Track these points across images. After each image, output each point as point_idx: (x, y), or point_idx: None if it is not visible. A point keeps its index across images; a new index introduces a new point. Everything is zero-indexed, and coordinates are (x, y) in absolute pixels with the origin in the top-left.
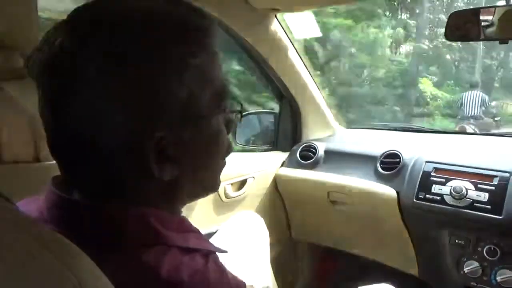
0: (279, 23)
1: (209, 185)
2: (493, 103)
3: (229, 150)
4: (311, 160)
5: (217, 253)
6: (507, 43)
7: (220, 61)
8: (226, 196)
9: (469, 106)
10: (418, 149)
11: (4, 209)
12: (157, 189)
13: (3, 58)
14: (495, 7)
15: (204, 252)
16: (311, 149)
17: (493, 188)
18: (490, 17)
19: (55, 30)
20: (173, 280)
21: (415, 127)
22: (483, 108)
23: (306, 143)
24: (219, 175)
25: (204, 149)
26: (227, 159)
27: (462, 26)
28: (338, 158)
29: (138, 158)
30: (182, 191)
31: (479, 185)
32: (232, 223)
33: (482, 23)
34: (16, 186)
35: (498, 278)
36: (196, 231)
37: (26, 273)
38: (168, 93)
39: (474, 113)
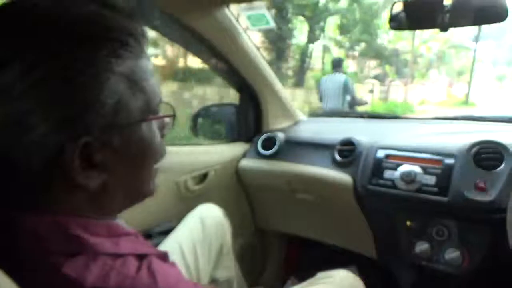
0: (232, 15)
1: (142, 192)
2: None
3: (162, 154)
4: (272, 150)
5: (157, 254)
6: (446, 30)
7: (151, 66)
8: (187, 190)
9: (328, 95)
10: (373, 136)
11: None
12: (84, 198)
13: None
14: None
15: (138, 255)
16: (272, 139)
17: (440, 171)
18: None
19: None
20: (99, 287)
21: (374, 113)
22: (348, 98)
23: (266, 133)
24: (153, 180)
25: (135, 156)
26: (189, 152)
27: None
28: (298, 147)
29: (62, 166)
30: (112, 200)
31: (427, 169)
32: (192, 217)
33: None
34: None
35: (447, 257)
36: (130, 234)
37: None
38: (93, 98)
39: (334, 105)
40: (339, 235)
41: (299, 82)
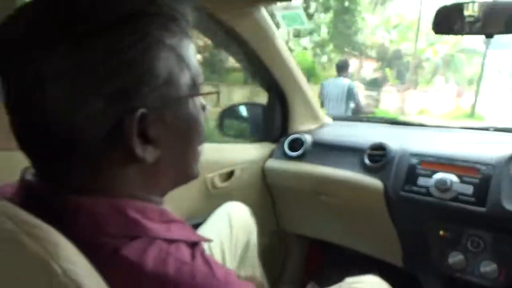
0: (268, 14)
1: (189, 171)
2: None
3: (204, 136)
4: (299, 152)
5: (202, 243)
6: (492, 37)
7: (193, 46)
8: (214, 187)
9: (330, 100)
10: (405, 142)
11: None
12: (137, 175)
13: None
14: (479, 2)
15: (189, 243)
16: (299, 140)
17: (478, 180)
18: (475, 13)
19: (17, 13)
20: (158, 274)
21: (401, 120)
22: (352, 104)
23: (293, 134)
24: (198, 162)
25: (184, 132)
26: (216, 150)
27: (447, 21)
28: (325, 150)
29: (120, 139)
30: (163, 177)
31: (463, 178)
32: (220, 213)
33: (467, 19)
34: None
35: (482, 269)
36: (179, 221)
37: (10, 261)
38: (146, 70)
39: (337, 111)
40: (363, 241)
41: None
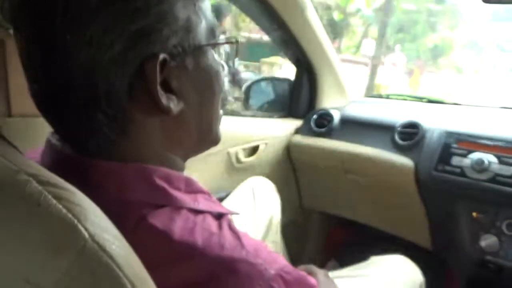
0: None
1: (211, 130)
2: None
3: (226, 95)
4: (326, 128)
5: (229, 215)
6: None
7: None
8: (238, 161)
9: None
10: (439, 120)
11: (15, 159)
12: (161, 131)
13: None
14: None
15: (216, 214)
16: (327, 116)
17: None
18: None
19: None
20: (186, 243)
21: (433, 98)
22: None
23: (321, 110)
24: (219, 124)
25: (206, 84)
26: (241, 124)
27: None
28: (354, 127)
29: (142, 86)
30: (186, 134)
31: (502, 158)
32: (244, 188)
33: None
34: (25, 141)
35: None
36: (205, 192)
37: (36, 222)
38: (166, 11)
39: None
40: (390, 221)
41: None
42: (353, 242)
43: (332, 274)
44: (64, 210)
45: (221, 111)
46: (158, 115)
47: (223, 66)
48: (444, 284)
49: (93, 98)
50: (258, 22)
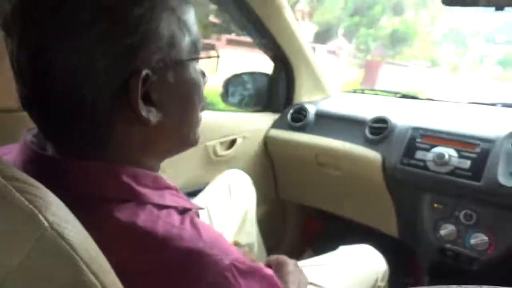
0: None
1: (190, 136)
2: None
3: (205, 102)
4: (301, 122)
5: (195, 210)
6: (502, 9)
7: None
8: (215, 154)
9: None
10: (407, 116)
11: None
12: (140, 139)
13: None
14: None
15: (180, 209)
16: (302, 111)
17: (475, 155)
18: None
19: None
20: (147, 235)
21: (407, 93)
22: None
23: (297, 105)
24: (198, 128)
25: (186, 96)
26: (219, 118)
27: None
28: (328, 122)
29: (125, 101)
30: (164, 141)
31: (462, 152)
32: (220, 180)
33: None
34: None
35: (472, 241)
36: (172, 188)
37: (1, 212)
38: (151, 30)
39: None
40: (361, 212)
41: None
42: (328, 232)
43: (302, 263)
44: (26, 202)
45: (200, 116)
46: (138, 125)
47: (203, 74)
48: (409, 270)
49: (79, 105)
50: (234, 19)
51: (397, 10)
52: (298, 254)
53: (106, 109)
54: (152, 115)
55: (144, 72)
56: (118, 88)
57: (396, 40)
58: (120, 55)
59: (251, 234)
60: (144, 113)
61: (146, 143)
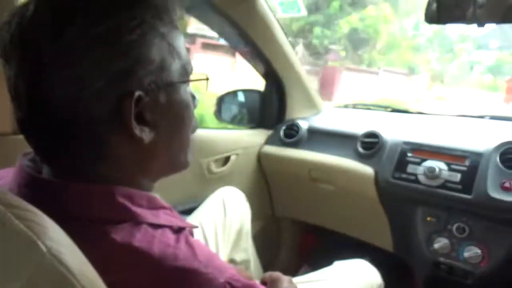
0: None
1: (182, 157)
2: None
3: (196, 124)
4: (294, 139)
5: (189, 229)
6: (483, 26)
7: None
8: (210, 172)
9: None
10: (398, 130)
11: None
12: (133, 158)
13: None
14: None
15: (175, 228)
16: (294, 127)
17: (465, 168)
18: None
19: (26, 2)
20: (143, 254)
21: (398, 108)
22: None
23: (289, 121)
24: (190, 151)
25: (177, 116)
26: (212, 135)
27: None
28: (320, 137)
29: (119, 122)
30: (157, 161)
31: (452, 166)
32: (214, 198)
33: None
34: None
35: (466, 254)
36: (167, 208)
37: (0, 240)
38: (142, 54)
39: None
40: (356, 226)
41: None
42: (324, 248)
43: (297, 279)
44: (25, 229)
45: (191, 138)
46: (131, 144)
47: (194, 97)
48: (405, 284)
49: (73, 127)
50: (225, 37)
51: (357, 6)
52: (294, 269)
53: (100, 129)
54: (145, 134)
55: (137, 93)
56: (112, 108)
57: (356, 41)
58: (112, 78)
59: (246, 251)
60: (137, 132)
61: (139, 162)
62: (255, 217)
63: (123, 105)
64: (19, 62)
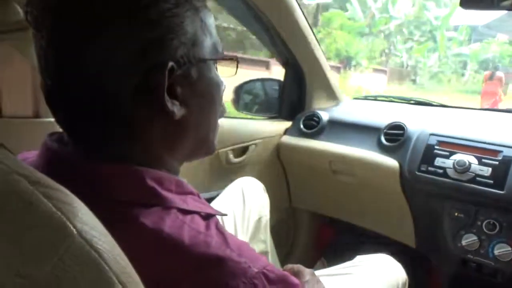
0: None
1: (209, 138)
2: None
3: (223, 109)
4: (314, 129)
5: (216, 216)
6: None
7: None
8: (228, 162)
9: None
10: (423, 122)
11: (7, 160)
12: (162, 134)
13: (2, 10)
14: None
15: (204, 214)
16: (315, 118)
17: (497, 163)
18: None
19: None
20: (174, 241)
21: (420, 100)
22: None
23: (310, 112)
24: (216, 134)
25: (209, 95)
26: (231, 125)
27: None
28: (341, 128)
29: (149, 92)
30: (184, 140)
31: (483, 160)
32: (233, 188)
33: None
34: (15, 142)
35: (496, 252)
36: (194, 193)
37: (28, 219)
38: (177, 24)
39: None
40: (376, 220)
41: None
42: (341, 241)
43: (318, 273)
44: (54, 209)
45: (218, 122)
46: (161, 119)
47: (222, 82)
48: (428, 282)
49: (101, 99)
50: (246, 24)
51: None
52: (310, 262)
53: (130, 101)
54: (176, 109)
55: (170, 64)
56: (143, 80)
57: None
58: (144, 47)
59: (265, 242)
60: (169, 105)
61: (168, 139)
62: (272, 209)
63: (156, 75)
64: (50, 31)
